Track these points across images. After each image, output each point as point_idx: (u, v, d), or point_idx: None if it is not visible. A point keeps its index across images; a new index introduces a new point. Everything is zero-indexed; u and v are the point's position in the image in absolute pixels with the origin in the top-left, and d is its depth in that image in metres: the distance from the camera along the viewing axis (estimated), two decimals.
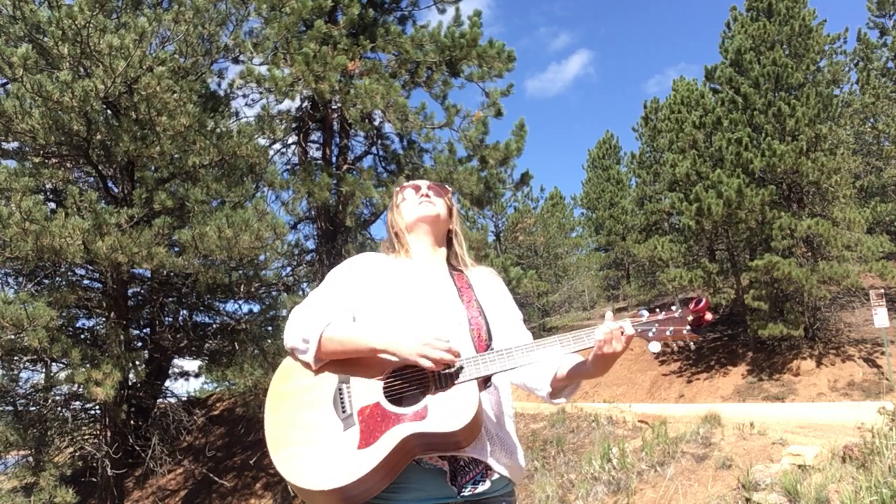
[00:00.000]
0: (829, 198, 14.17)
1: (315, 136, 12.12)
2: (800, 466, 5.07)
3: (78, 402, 8.82)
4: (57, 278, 8.49)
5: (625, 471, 6.62)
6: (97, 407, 8.66)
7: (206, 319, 10.65)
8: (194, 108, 7.12)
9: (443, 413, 1.41)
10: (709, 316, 1.46)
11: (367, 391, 1.48)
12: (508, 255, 15.60)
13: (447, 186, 1.89)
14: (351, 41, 10.11)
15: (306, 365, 1.55)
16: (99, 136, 6.97)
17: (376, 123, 11.48)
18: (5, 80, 7.15)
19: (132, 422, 9.61)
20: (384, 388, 1.48)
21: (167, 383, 11.60)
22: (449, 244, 1.82)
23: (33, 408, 8.22)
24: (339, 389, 1.49)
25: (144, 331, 10.70)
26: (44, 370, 8.16)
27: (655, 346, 1.47)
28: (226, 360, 8.82)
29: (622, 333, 1.46)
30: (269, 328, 9.07)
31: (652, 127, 24.03)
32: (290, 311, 1.62)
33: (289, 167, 11.69)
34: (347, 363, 1.52)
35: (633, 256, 23.09)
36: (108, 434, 8.12)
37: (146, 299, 9.89)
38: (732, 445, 6.56)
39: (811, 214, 14.13)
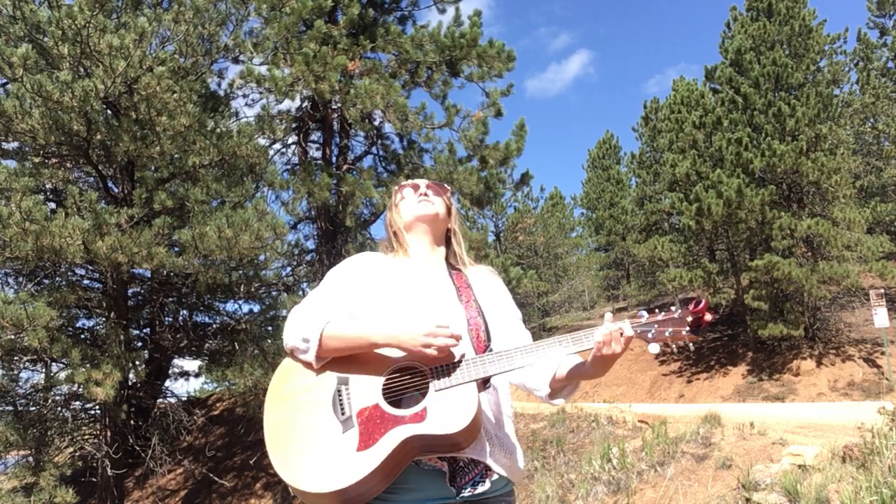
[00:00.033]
0: (829, 198, 14.16)
1: (315, 136, 12.12)
2: (800, 466, 5.07)
3: (78, 402, 8.82)
4: (57, 278, 8.49)
5: (625, 471, 6.62)
6: (97, 407, 8.67)
7: (206, 319, 10.66)
8: (194, 108, 7.12)
9: (442, 415, 1.41)
10: (708, 317, 1.46)
11: (366, 392, 1.47)
12: (508, 255, 15.62)
13: (446, 185, 1.89)
14: (351, 41, 10.11)
15: (307, 365, 1.53)
16: (99, 136, 6.98)
17: (376, 123, 11.48)
18: (5, 80, 7.15)
19: (132, 422, 9.61)
20: (383, 389, 1.47)
21: (167, 383, 11.63)
22: (448, 243, 1.82)
23: (33, 408, 8.21)
24: (338, 391, 1.48)
25: (144, 331, 10.70)
26: (44, 370, 8.16)
27: (655, 348, 1.47)
28: (226, 360, 8.82)
29: (621, 335, 1.45)
30: (269, 328, 9.07)
31: (652, 127, 24.01)
32: (289, 311, 1.61)
33: (289, 167, 11.70)
34: (347, 362, 1.52)
35: (633, 256, 23.06)
36: (108, 434, 8.12)
37: (146, 299, 9.89)
38: (732, 445, 6.55)
39: (811, 214, 14.12)
